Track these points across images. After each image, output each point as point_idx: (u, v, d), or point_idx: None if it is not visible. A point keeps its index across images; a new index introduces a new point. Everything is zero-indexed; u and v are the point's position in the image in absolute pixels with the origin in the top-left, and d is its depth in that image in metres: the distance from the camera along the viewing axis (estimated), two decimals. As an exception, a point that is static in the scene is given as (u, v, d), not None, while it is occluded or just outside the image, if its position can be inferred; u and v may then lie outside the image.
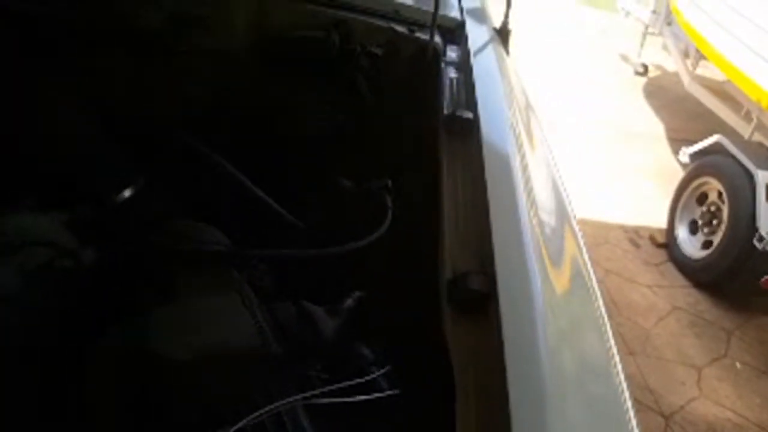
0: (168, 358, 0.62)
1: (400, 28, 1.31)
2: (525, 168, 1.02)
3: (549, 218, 0.99)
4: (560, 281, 0.87)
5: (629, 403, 0.73)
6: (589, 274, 0.92)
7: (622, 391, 0.74)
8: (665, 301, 3.41)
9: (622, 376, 0.77)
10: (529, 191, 0.98)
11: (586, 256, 0.97)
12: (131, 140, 1.09)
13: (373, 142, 1.24)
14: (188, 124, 1.11)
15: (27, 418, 0.72)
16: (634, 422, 0.70)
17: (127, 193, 1.05)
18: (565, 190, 1.13)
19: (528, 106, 1.36)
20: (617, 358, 0.78)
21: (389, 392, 0.70)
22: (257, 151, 1.15)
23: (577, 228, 1.02)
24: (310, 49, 1.24)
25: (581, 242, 0.99)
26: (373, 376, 0.71)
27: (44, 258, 0.77)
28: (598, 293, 0.90)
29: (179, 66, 1.14)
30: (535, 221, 0.91)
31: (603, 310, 0.86)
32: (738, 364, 3.08)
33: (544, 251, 0.87)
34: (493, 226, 0.83)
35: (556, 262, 0.90)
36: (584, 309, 0.87)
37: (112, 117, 1.08)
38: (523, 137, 1.13)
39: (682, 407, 2.78)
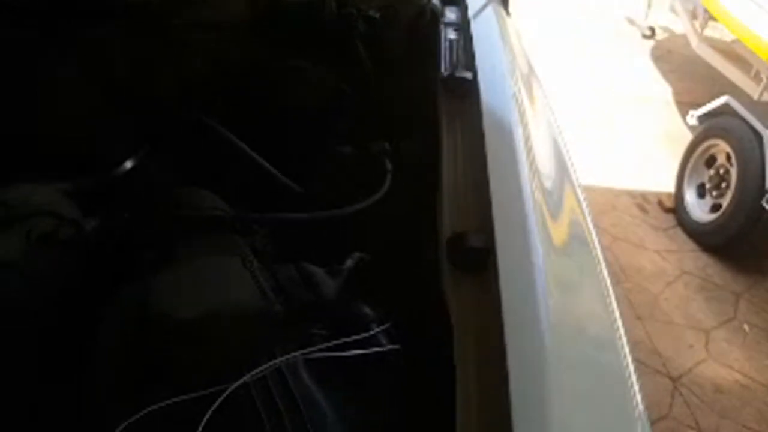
0: (172, 316, 0.63)
1: None
2: (525, 128, 1.02)
3: (549, 179, 0.98)
4: (560, 240, 0.87)
5: (632, 367, 0.72)
6: (591, 237, 0.92)
7: (623, 349, 0.74)
8: (674, 265, 3.39)
9: (624, 337, 0.77)
10: (529, 152, 0.97)
11: (589, 220, 0.96)
12: (131, 112, 1.10)
13: (372, 106, 1.23)
14: (187, 96, 1.11)
15: (31, 382, 0.73)
16: (636, 385, 0.70)
17: (128, 164, 1.05)
18: (567, 152, 1.12)
19: (529, 68, 1.35)
20: (619, 321, 0.78)
21: (389, 347, 0.71)
22: (256, 120, 1.15)
23: (579, 189, 1.01)
24: (307, 15, 1.23)
25: (584, 206, 0.98)
26: (373, 332, 0.72)
27: (48, 227, 0.78)
28: (601, 256, 0.89)
29: (176, 38, 1.13)
30: (535, 181, 0.91)
31: (606, 273, 0.85)
32: (746, 327, 3.08)
33: (544, 210, 0.87)
34: (491, 186, 0.83)
35: (557, 221, 0.90)
36: (585, 268, 0.87)
37: (112, 89, 1.08)
38: (524, 98, 1.12)
39: (690, 370, 2.80)
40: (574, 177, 1.06)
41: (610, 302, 0.82)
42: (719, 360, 2.88)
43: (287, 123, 1.19)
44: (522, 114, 1.05)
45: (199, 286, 0.68)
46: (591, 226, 0.95)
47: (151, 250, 0.77)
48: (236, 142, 1.00)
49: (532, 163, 0.95)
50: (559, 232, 0.89)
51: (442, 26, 1.24)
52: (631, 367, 0.72)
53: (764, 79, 3.53)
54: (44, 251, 0.76)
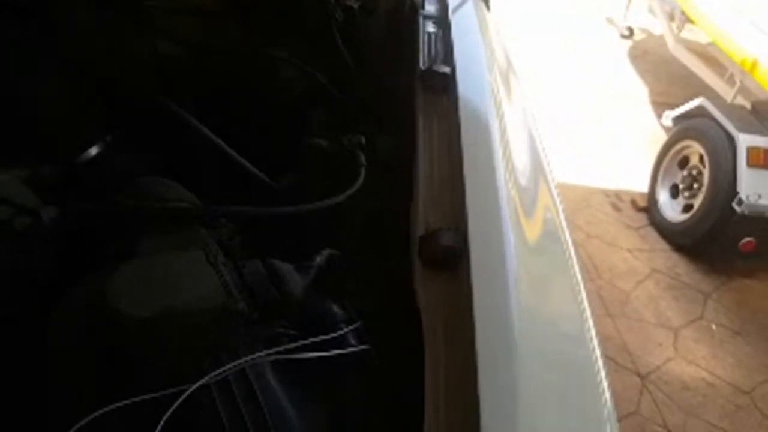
0: (128, 313, 0.61)
1: None
2: (502, 125, 1.00)
3: (525, 179, 0.97)
4: (533, 238, 0.87)
5: (601, 363, 0.72)
6: (564, 234, 0.91)
7: (593, 346, 0.74)
8: (645, 264, 3.45)
9: (594, 334, 0.77)
10: (505, 148, 0.96)
11: (562, 218, 0.96)
12: (98, 96, 1.05)
13: (349, 99, 1.21)
14: (159, 83, 1.07)
15: None
16: (605, 381, 0.70)
17: (93, 151, 1.01)
18: (543, 149, 1.11)
19: (508, 63, 1.34)
20: (590, 319, 0.77)
21: (359, 348, 0.69)
22: (230, 110, 1.12)
23: (554, 187, 1.01)
24: (285, 3, 1.20)
25: (558, 204, 0.98)
26: (342, 332, 0.70)
27: (3, 215, 0.74)
28: (573, 253, 0.89)
29: (149, 21, 1.09)
30: (510, 180, 0.90)
31: (578, 270, 0.85)
32: (713, 326, 3.15)
33: (519, 211, 0.86)
34: (466, 183, 0.81)
35: (530, 218, 0.89)
36: (557, 265, 0.86)
37: (79, 72, 1.04)
38: (502, 94, 1.11)
39: (658, 367, 2.85)
40: (549, 174, 1.06)
41: (582, 300, 0.81)
42: (687, 358, 2.94)
43: (261, 113, 1.15)
44: (499, 110, 1.04)
45: (158, 281, 0.65)
46: (564, 223, 0.94)
47: (110, 242, 0.74)
48: (203, 130, 0.96)
49: (507, 159, 0.94)
50: (532, 230, 0.88)
51: (421, 19, 1.22)
52: (601, 365, 0.72)
53: (738, 82, 3.59)
54: None
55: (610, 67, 5.59)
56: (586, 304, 0.80)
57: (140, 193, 0.82)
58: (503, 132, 0.99)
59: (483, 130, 0.95)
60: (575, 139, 4.37)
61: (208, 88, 1.16)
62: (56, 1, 1.02)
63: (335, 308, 0.74)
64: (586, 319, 0.79)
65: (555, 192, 1.01)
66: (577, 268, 0.85)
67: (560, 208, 0.96)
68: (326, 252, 0.80)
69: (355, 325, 0.72)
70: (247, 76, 1.18)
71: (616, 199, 3.90)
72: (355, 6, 1.22)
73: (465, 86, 1.00)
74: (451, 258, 0.73)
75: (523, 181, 0.95)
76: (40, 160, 0.89)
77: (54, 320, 0.66)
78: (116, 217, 0.78)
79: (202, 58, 1.18)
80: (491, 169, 0.88)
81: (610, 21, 6.32)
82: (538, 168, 1.04)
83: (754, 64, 3.30)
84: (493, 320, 0.66)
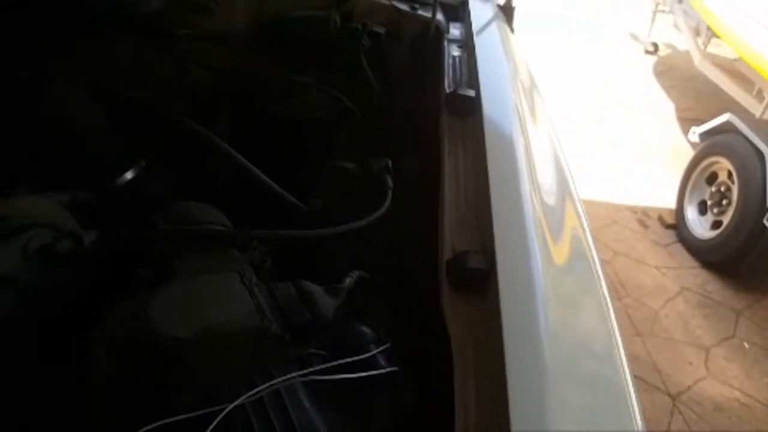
0: (166, 335, 0.63)
1: (402, 6, 1.29)
2: (528, 147, 1.01)
3: (551, 198, 0.98)
4: (561, 261, 0.87)
5: (631, 383, 0.72)
6: (591, 254, 0.91)
7: (623, 366, 0.74)
8: (674, 281, 3.39)
9: (623, 354, 0.76)
10: (532, 171, 0.97)
11: (589, 237, 0.96)
12: (133, 123, 1.09)
13: (375, 122, 1.23)
14: (190, 107, 1.11)
15: (28, 398, 0.72)
16: (635, 402, 0.69)
17: (128, 175, 1.05)
18: (568, 167, 1.12)
19: (532, 85, 1.35)
20: (620, 341, 0.77)
21: (388, 369, 0.70)
22: (259, 133, 1.15)
23: (581, 209, 1.01)
24: (311, 29, 1.23)
25: (585, 223, 0.98)
26: (372, 353, 0.71)
27: (46, 240, 0.77)
28: (601, 272, 0.89)
29: (180, 49, 1.13)
30: (537, 201, 0.90)
31: (605, 289, 0.85)
32: (746, 344, 3.07)
33: (545, 231, 0.87)
34: (493, 206, 0.82)
35: (558, 242, 0.89)
36: (585, 286, 0.86)
37: (113, 100, 1.08)
38: (527, 116, 1.12)
39: (689, 387, 2.78)
40: (575, 193, 1.06)
41: (610, 320, 0.81)
42: (718, 378, 2.87)
43: (290, 138, 1.18)
44: (524, 131, 1.05)
45: (194, 304, 0.67)
46: (591, 242, 0.94)
47: (147, 265, 0.77)
48: (237, 156, 0.99)
49: (533, 181, 0.95)
50: (559, 250, 0.88)
51: (446, 43, 1.24)
52: (631, 385, 0.72)
53: (766, 98, 3.53)
54: (41, 264, 0.75)
55: (634, 82, 5.55)
56: (614, 323, 0.80)
57: (176, 217, 0.85)
58: (528, 153, 1.00)
59: (508, 152, 0.96)
60: (601, 155, 4.34)
61: (236, 113, 1.19)
62: (92, 32, 1.07)
63: (365, 329, 0.75)
64: (615, 338, 0.79)
65: (581, 211, 1.01)
66: (604, 287, 0.85)
67: (587, 227, 0.96)
68: (356, 273, 0.82)
69: (384, 347, 0.73)
70: (273, 100, 1.21)
71: (643, 215, 3.85)
72: (382, 32, 1.25)
73: (490, 109, 1.01)
74: (478, 280, 0.74)
75: (549, 200, 0.96)
76: (78, 186, 0.93)
77: (93, 341, 0.68)
78: (153, 240, 0.81)
79: (231, 83, 1.22)
80: (517, 191, 0.89)
81: (634, 37, 6.29)
82: (563, 187, 1.04)
83: (784, 80, 3.26)
84: (523, 343, 0.66)
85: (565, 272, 0.86)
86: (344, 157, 1.06)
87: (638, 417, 0.68)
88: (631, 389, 0.71)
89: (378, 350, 0.71)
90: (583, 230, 0.96)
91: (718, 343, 3.05)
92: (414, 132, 1.16)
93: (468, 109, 1.03)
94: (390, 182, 0.96)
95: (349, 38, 1.23)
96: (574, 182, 1.08)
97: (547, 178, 1.02)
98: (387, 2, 1.29)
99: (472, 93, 1.04)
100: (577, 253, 0.92)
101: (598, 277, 0.87)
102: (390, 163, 0.99)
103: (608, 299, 0.84)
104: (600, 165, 4.20)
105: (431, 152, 1.02)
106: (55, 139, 1.00)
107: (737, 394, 2.80)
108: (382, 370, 0.70)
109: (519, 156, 0.97)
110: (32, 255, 0.75)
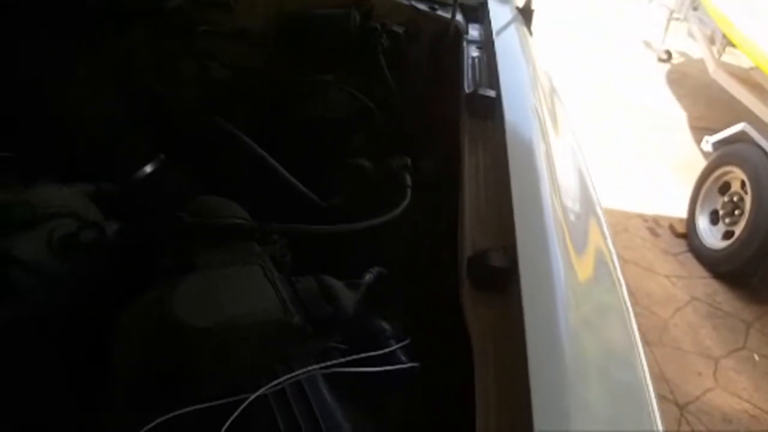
0: (190, 324, 0.63)
1: (422, 6, 1.30)
2: (548, 150, 1.01)
3: (572, 201, 0.98)
4: (582, 263, 0.87)
5: (651, 386, 0.72)
6: (612, 259, 0.91)
7: (645, 373, 0.74)
8: (683, 291, 3.36)
9: (644, 360, 0.76)
10: (552, 173, 0.97)
11: (609, 242, 0.95)
12: (154, 117, 1.10)
13: (394, 121, 1.23)
14: (210, 103, 1.11)
15: (52, 387, 0.73)
16: (655, 405, 0.69)
17: (149, 168, 1.06)
18: (590, 175, 1.12)
19: (552, 88, 1.35)
20: (639, 344, 0.77)
21: (409, 365, 0.70)
22: (278, 130, 1.15)
23: (602, 214, 1.01)
24: (331, 28, 1.24)
25: (605, 228, 0.98)
26: (393, 348, 0.71)
27: (70, 229, 0.78)
28: (621, 278, 0.89)
29: (201, 46, 1.14)
30: (557, 204, 0.90)
31: (626, 295, 0.85)
32: (756, 356, 3.04)
33: (566, 233, 0.86)
34: (514, 205, 0.82)
35: (579, 244, 0.89)
36: (606, 292, 0.86)
37: (135, 94, 1.09)
38: (547, 119, 1.12)
39: (697, 398, 2.76)
40: (595, 197, 1.06)
41: (631, 323, 0.81)
42: (728, 389, 2.85)
43: (310, 135, 1.19)
44: (545, 133, 1.05)
45: (218, 295, 0.68)
46: (612, 247, 0.94)
47: (169, 257, 0.77)
48: (257, 150, 1.00)
49: (554, 183, 0.95)
50: (579, 253, 0.88)
51: (465, 43, 1.24)
52: (651, 388, 0.72)
53: (782, 107, 3.51)
54: (65, 253, 0.76)
55: (647, 91, 5.53)
56: (635, 326, 0.80)
57: (197, 210, 0.86)
58: (549, 156, 1.00)
59: (529, 153, 0.96)
60: (613, 162, 4.32)
61: (256, 109, 1.20)
62: (114, 28, 1.08)
63: (385, 325, 0.76)
64: (636, 342, 0.79)
65: (602, 217, 1.01)
66: (625, 292, 0.85)
67: (607, 233, 0.96)
68: (375, 269, 0.82)
69: (404, 342, 0.73)
70: (293, 98, 1.22)
71: (653, 224, 3.83)
72: (401, 31, 1.25)
73: (510, 110, 1.01)
74: (499, 279, 0.74)
75: (569, 204, 0.96)
76: (100, 177, 0.94)
77: (116, 331, 0.69)
78: (175, 233, 0.82)
79: (250, 81, 1.22)
80: (538, 192, 0.89)
81: (647, 45, 6.27)
82: (585, 193, 1.04)
83: (800, 90, 3.23)
84: (545, 343, 0.66)
85: (585, 273, 0.86)
86: (362, 156, 1.06)
87: (658, 420, 0.68)
88: (651, 392, 0.71)
89: (398, 345, 0.72)
90: (603, 235, 0.96)
91: (728, 355, 3.03)
92: (432, 132, 1.16)
93: (488, 110, 1.03)
94: (409, 180, 0.97)
95: (369, 37, 1.23)
96: (595, 188, 1.08)
97: (567, 182, 1.02)
98: (406, 2, 1.30)
99: (492, 93, 1.04)
100: (598, 256, 0.92)
101: (619, 281, 0.87)
102: (409, 161, 0.99)
103: (628, 303, 0.84)
104: (612, 171, 4.18)
105: (450, 152, 1.02)
106: (77, 132, 1.01)
107: (746, 405, 2.78)
108: (403, 365, 0.70)
109: (540, 158, 0.96)
110: (56, 244, 0.76)
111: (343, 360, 0.67)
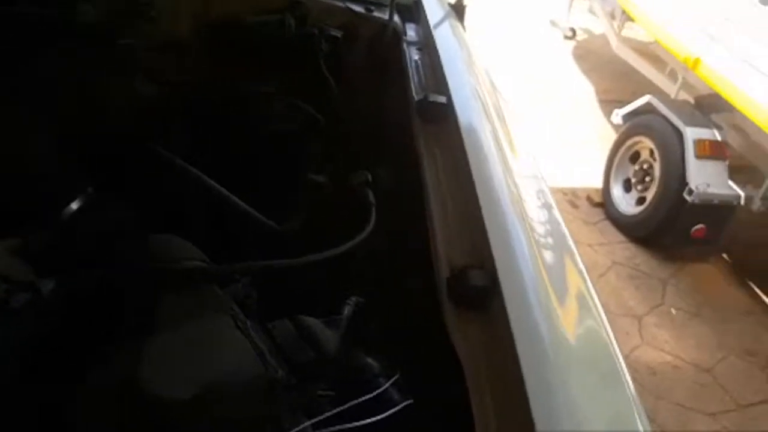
0: (167, 398, 0.56)
1: (357, 8, 1.24)
2: (503, 151, 1.01)
3: (533, 202, 0.98)
4: (553, 269, 0.87)
5: (632, 387, 0.74)
6: (575, 258, 0.92)
7: (625, 376, 0.76)
8: (605, 257, 3.56)
9: (619, 354, 0.79)
10: (510, 175, 0.96)
11: (571, 242, 0.97)
12: (74, 146, 0.98)
13: (343, 133, 1.18)
14: (140, 123, 1.01)
15: None
16: (640, 406, 0.71)
17: (74, 205, 0.94)
18: (540, 170, 1.13)
19: (492, 84, 1.34)
20: (616, 345, 0.79)
21: (403, 404, 0.67)
22: (219, 149, 1.07)
23: (558, 214, 1.02)
24: (265, 34, 1.15)
25: (563, 226, 0.99)
26: (383, 388, 0.68)
27: (-2, 295, 0.67)
28: (582, 265, 0.91)
29: (122, 59, 1.03)
30: (521, 208, 0.90)
31: (595, 296, 0.87)
32: (673, 310, 3.29)
33: (533, 240, 0.86)
34: (485, 217, 0.81)
35: (547, 249, 0.90)
36: (577, 292, 0.87)
37: (51, 121, 0.97)
38: (495, 119, 1.11)
39: (626, 356, 2.93)
40: (549, 194, 1.07)
41: (605, 327, 0.83)
42: (652, 344, 3.06)
43: (252, 151, 1.11)
44: (496, 137, 1.04)
45: (192, 357, 0.61)
46: (574, 248, 0.96)
47: (127, 312, 0.69)
48: (202, 178, 0.91)
49: (514, 185, 0.95)
50: (550, 259, 0.89)
51: (405, 45, 1.20)
52: (632, 388, 0.74)
53: (680, 78, 3.76)
54: None
55: (555, 67, 5.73)
56: (609, 330, 0.82)
57: (143, 253, 0.77)
58: (504, 157, 0.99)
59: (489, 158, 0.95)
60: (529, 140, 4.45)
61: (194, 128, 1.10)
62: (25, 46, 0.95)
63: (370, 361, 0.72)
64: (612, 341, 0.81)
65: (557, 214, 1.02)
66: (594, 295, 0.87)
67: (567, 234, 0.97)
68: (353, 300, 0.78)
69: (394, 378, 0.70)
70: (233, 112, 1.13)
71: (572, 196, 4.01)
72: (339, 35, 1.20)
73: (463, 114, 0.99)
74: (481, 297, 0.73)
75: (531, 205, 0.96)
76: (27, 225, 0.82)
77: (77, 407, 0.61)
78: (123, 282, 0.73)
79: (185, 97, 1.12)
80: (504, 199, 0.88)
81: (553, 23, 6.46)
82: (539, 189, 1.05)
83: (696, 62, 3.47)
84: (536, 356, 0.66)
85: (558, 276, 0.87)
86: (317, 171, 1.01)
87: (645, 420, 0.71)
88: (633, 392, 0.74)
89: (388, 384, 0.68)
90: (564, 235, 0.97)
91: (649, 312, 3.25)
92: (384, 140, 1.12)
93: (440, 116, 1.01)
94: (372, 198, 0.92)
95: (307, 43, 1.17)
96: (546, 183, 1.09)
97: (525, 183, 1.02)
98: (341, 4, 1.24)
99: (443, 99, 1.01)
100: (565, 258, 0.92)
101: (587, 285, 0.88)
102: (370, 177, 0.95)
103: (600, 307, 0.86)
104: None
105: (404, 160, 0.99)
106: None
107: (668, 357, 3.00)
108: (397, 407, 0.66)
109: (497, 162, 0.96)
110: (-16, 313, 0.65)
111: (334, 411, 0.63)
